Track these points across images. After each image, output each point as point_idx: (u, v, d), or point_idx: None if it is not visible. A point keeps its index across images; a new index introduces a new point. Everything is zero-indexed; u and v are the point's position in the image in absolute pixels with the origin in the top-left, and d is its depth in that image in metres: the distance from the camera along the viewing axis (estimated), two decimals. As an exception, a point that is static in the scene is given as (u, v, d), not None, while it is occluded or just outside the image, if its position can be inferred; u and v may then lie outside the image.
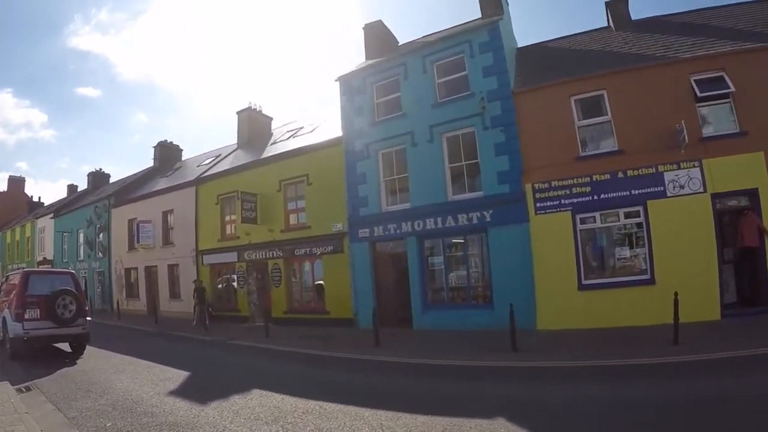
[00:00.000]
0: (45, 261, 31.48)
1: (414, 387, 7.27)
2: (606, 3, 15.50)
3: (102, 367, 9.35)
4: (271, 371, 9.21)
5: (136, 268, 22.74)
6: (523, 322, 9.31)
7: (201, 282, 17.62)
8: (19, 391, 6.99)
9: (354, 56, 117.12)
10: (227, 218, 18.50)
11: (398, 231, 13.54)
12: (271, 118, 23.44)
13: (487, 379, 7.44)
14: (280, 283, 16.46)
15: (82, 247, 27.88)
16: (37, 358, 9.99)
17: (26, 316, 9.73)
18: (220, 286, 18.92)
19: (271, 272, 16.66)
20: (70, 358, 10.39)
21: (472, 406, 5.76)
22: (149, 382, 7.90)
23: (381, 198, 14.14)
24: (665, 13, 15.49)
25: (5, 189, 41.33)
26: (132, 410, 6.06)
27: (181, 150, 27.87)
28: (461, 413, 5.39)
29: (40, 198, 39.89)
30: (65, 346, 11.26)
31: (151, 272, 21.80)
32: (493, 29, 12.85)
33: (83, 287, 14.43)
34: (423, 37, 16.58)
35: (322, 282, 15.73)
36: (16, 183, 41.67)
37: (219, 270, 18.75)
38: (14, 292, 10.27)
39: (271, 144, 19.50)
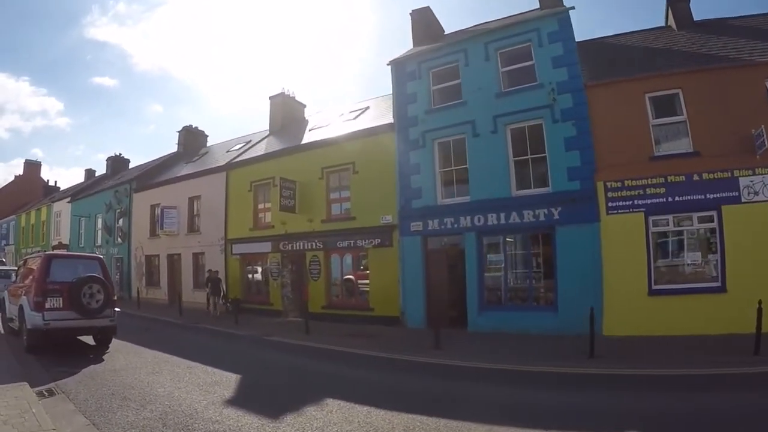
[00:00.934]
0: (60, 245, 30.62)
1: (507, 396, 6.42)
2: (668, 2, 14.96)
3: (135, 365, 8.28)
4: (332, 374, 8.16)
5: (157, 256, 21.77)
6: (587, 327, 8.82)
7: (216, 272, 16.93)
8: (41, 395, 5.81)
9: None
10: (261, 206, 17.47)
11: (456, 225, 12.69)
12: (305, 105, 22.45)
13: (588, 389, 6.63)
14: (319, 277, 15.40)
15: (100, 232, 27.01)
16: (57, 352, 8.88)
17: (47, 305, 8.64)
18: (250, 276, 17.85)
19: (309, 265, 15.62)
20: (95, 354, 9.32)
21: (594, 422, 5.14)
22: (196, 387, 6.83)
23: (437, 190, 13.27)
24: (722, 16, 14.97)
25: (21, 173, 40.68)
26: (189, 428, 4.89)
27: (206, 136, 26.92)
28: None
29: (56, 182, 39.21)
30: (88, 339, 10.23)
31: (173, 260, 20.81)
32: (563, 18, 12.21)
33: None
34: (482, 24, 15.85)
35: (351, 276, 14.89)
36: (32, 167, 41.11)
37: (250, 260, 17.69)
38: (33, 277, 9.19)
39: (310, 130, 18.45)
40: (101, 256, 11.01)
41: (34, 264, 9.75)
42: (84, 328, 9.34)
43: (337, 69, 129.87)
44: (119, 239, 24.69)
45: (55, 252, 12.80)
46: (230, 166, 18.60)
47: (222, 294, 16.68)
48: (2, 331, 11.33)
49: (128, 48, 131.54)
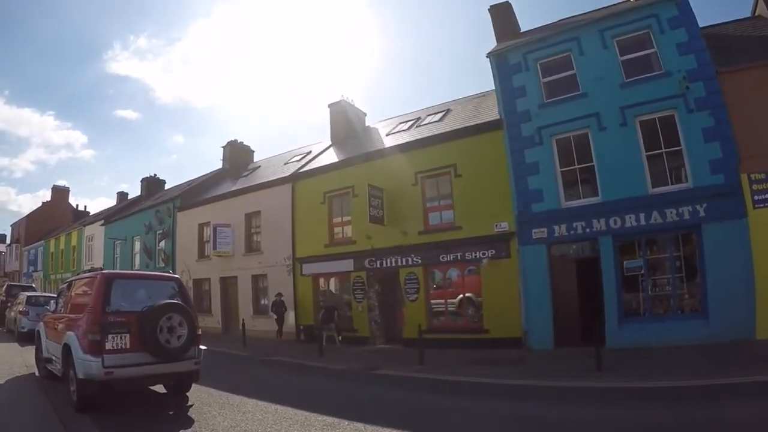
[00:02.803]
0: (93, 271, 28.79)
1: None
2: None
3: (245, 428, 5.76)
4: (498, 414, 6.47)
5: (207, 279, 19.64)
6: (739, 332, 8.72)
7: (280, 295, 15.22)
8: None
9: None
10: (338, 219, 15.40)
11: (587, 230, 11.26)
12: (365, 113, 20.63)
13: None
14: (418, 297, 13.15)
15: (138, 256, 25.05)
16: (120, 407, 6.55)
17: (108, 345, 6.10)
18: (322, 300, 15.63)
19: (404, 283, 13.42)
20: (176, 408, 6.88)
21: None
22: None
23: (559, 191, 11.79)
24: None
25: (49, 199, 39.40)
26: None
27: (253, 151, 25.17)
28: None
29: (85, 207, 37.68)
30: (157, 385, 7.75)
31: (228, 284, 18.67)
32: (682, 3, 11.25)
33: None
34: (585, 13, 14.59)
35: (470, 295, 12.81)
36: (60, 193, 39.86)
37: (326, 281, 15.47)
38: (86, 305, 6.63)
39: (387, 135, 16.53)
40: (178, 276, 8.27)
41: (86, 287, 7.08)
42: (160, 376, 6.78)
43: (360, 86, 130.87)
44: (162, 262, 22.67)
45: (116, 271, 9.58)
46: (297, 177, 16.63)
47: (284, 319, 14.79)
48: (36, 374, 8.65)
49: (149, 81, 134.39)
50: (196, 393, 7.52)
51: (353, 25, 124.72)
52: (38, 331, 8.76)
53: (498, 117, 12.90)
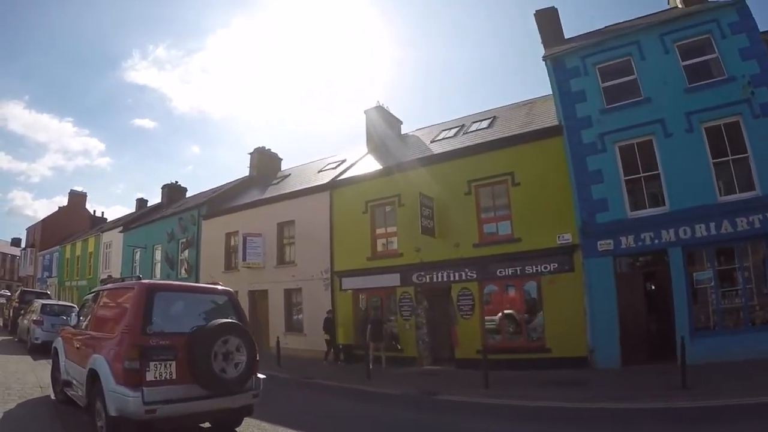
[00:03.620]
0: (111, 279, 27.95)
1: None
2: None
3: None
4: None
5: (235, 293, 18.62)
6: None
7: (331, 312, 14.10)
8: None
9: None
10: (381, 230, 14.47)
11: (656, 241, 10.76)
12: (401, 122, 19.83)
13: None
14: (472, 314, 12.16)
15: (159, 265, 24.26)
16: None
17: (150, 376, 4.90)
18: (368, 316, 14.58)
19: (457, 299, 12.42)
20: None
21: None
22: None
23: (624, 200, 11.28)
24: None
25: (65, 204, 38.87)
26: None
27: (281, 159, 24.41)
28: None
29: (103, 213, 37.06)
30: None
31: (257, 298, 17.71)
32: (742, 8, 11.08)
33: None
34: (643, 17, 14.16)
35: (512, 311, 12.14)
36: (77, 198, 39.35)
37: (368, 296, 14.46)
38: (120, 323, 5.37)
39: (432, 141, 15.64)
40: (230, 290, 6.69)
41: (119, 300, 5.85)
42: (213, 413, 5.55)
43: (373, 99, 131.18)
44: (184, 273, 21.81)
45: (158, 282, 7.24)
46: (336, 185, 15.75)
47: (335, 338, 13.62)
48: (52, 397, 7.44)
49: (167, 91, 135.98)
50: (246, 427, 6.42)
51: (366, 34, 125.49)
52: (56, 347, 7.42)
53: (557, 123, 12.29)
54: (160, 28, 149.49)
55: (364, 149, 18.60)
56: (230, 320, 5.58)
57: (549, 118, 13.25)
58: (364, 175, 15.26)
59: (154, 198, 30.86)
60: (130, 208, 33.54)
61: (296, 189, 17.32)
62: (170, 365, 5.04)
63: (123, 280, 6.90)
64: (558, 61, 12.76)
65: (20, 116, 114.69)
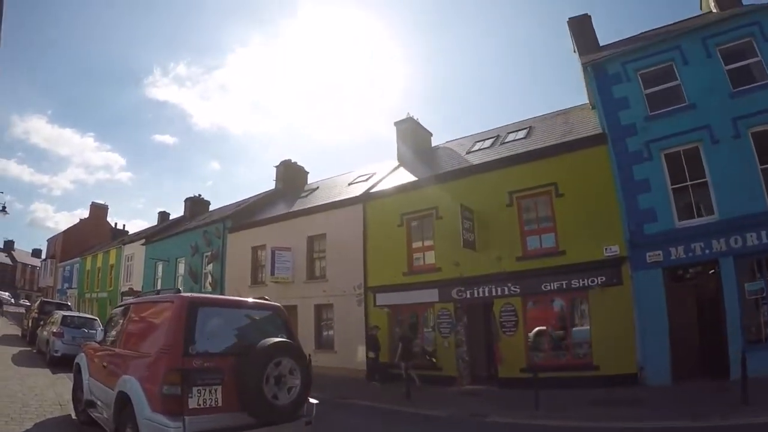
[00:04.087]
0: (132, 292, 27.90)
1: None
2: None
3: None
4: None
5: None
6: None
7: (376, 329, 13.38)
8: None
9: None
10: (418, 244, 14.07)
11: (707, 251, 10.36)
12: (431, 134, 19.59)
13: None
14: (516, 331, 11.67)
15: (182, 279, 24.05)
16: None
17: (193, 403, 4.31)
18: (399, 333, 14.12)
19: (499, 315, 11.94)
20: None
21: None
22: None
23: (672, 210, 10.95)
24: None
25: (87, 216, 39.15)
26: None
27: (307, 172, 24.24)
28: None
29: (124, 226, 37.21)
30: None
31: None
32: None
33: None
34: (679, 21, 14.06)
35: (545, 327, 11.74)
36: (99, 210, 39.61)
37: (405, 313, 14.00)
38: (157, 341, 4.77)
39: (468, 153, 15.31)
40: (278, 305, 5.88)
41: (155, 314, 5.28)
42: None
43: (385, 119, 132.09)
44: (209, 287, 21.56)
45: (199, 295, 7.27)
46: (369, 197, 15.46)
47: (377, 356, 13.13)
48: (73, 416, 6.93)
49: (187, 108, 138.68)
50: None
51: (382, 49, 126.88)
52: (78, 364, 6.87)
53: (600, 131, 12.01)
54: (181, 46, 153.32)
55: (394, 162, 18.35)
56: (283, 339, 4.99)
57: (588, 126, 13.00)
58: (398, 187, 14.94)
59: (175, 213, 30.76)
60: (149, 222, 33.67)
61: (328, 202, 17.01)
62: (216, 391, 4.43)
63: (158, 293, 6.54)
64: (599, 68, 12.54)
65: (43, 130, 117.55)
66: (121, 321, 5.96)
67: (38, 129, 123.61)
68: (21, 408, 7.03)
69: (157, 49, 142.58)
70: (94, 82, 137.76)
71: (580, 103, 16.11)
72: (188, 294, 5.25)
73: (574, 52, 18.57)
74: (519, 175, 12.47)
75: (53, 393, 8.52)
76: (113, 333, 6.15)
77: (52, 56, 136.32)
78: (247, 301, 5.69)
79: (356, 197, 15.78)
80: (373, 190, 15.67)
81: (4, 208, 20.14)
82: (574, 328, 11.56)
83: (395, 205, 14.56)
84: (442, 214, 13.31)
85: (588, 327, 11.19)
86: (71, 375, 10.27)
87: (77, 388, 6.83)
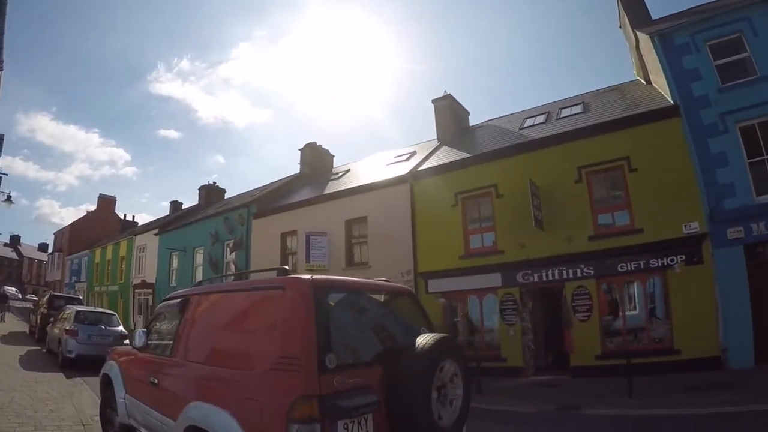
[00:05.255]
0: (144, 285, 26.91)
1: None
2: None
3: None
4: None
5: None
6: None
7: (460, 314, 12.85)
8: None
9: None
10: (475, 226, 13.16)
11: None
12: (468, 112, 18.65)
13: None
14: (590, 315, 10.86)
15: (201, 269, 23.04)
16: None
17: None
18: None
19: (571, 300, 11.10)
20: None
21: None
22: None
23: (750, 184, 10.45)
24: None
25: (95, 208, 38.00)
26: None
27: (332, 155, 23.24)
28: None
29: (134, 217, 36.10)
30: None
31: (321, 301, 16.37)
32: None
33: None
34: None
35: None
36: (107, 202, 38.49)
37: (461, 299, 13.09)
38: (266, 351, 3.10)
39: (521, 129, 14.40)
40: (410, 288, 5.15)
41: (249, 308, 3.67)
42: None
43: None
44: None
45: (324, 277, 3.55)
46: (416, 176, 14.49)
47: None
48: None
49: (191, 102, 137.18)
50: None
51: (379, 45, 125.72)
52: (107, 375, 5.27)
53: (671, 103, 11.27)
54: (185, 42, 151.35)
55: (433, 142, 17.41)
56: (442, 335, 3.54)
57: (653, 100, 12.28)
58: (450, 164, 13.96)
59: (184, 205, 29.65)
60: (154, 216, 32.62)
61: (369, 183, 15.98)
62: (366, 422, 2.98)
63: (247, 277, 5.16)
64: (666, 39, 11.89)
65: (48, 127, 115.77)
66: (178, 320, 4.29)
67: (43, 126, 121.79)
68: (34, 431, 5.58)
69: (160, 44, 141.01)
70: (99, 78, 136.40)
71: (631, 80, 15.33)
72: (306, 275, 3.31)
73: (620, 27, 17.87)
74: (587, 149, 11.66)
75: (72, 407, 6.91)
76: (164, 336, 4.59)
77: (57, 54, 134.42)
78: (378, 283, 4.12)
79: (402, 176, 14.80)
80: (421, 169, 14.69)
81: (9, 197, 19.04)
82: (652, 310, 10.81)
83: (448, 183, 13.61)
84: (503, 192, 12.44)
85: (667, 310, 10.45)
86: (90, 380, 8.92)
87: (107, 405, 5.27)
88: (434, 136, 18.17)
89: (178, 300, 4.65)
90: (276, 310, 3.17)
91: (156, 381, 4.11)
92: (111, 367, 5.25)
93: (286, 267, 3.80)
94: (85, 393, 8.09)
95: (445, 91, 17.86)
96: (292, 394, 2.74)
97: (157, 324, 4.93)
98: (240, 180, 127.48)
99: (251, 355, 3.23)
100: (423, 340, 3.37)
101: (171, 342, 4.23)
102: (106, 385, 5.29)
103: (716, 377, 8.90)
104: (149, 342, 4.72)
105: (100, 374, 5.53)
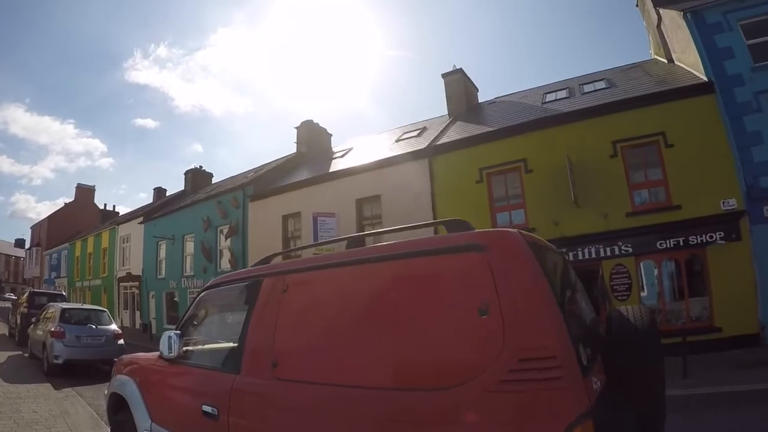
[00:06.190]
0: (130, 277, 25.42)
1: None
2: None
3: None
4: None
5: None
6: None
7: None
8: None
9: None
10: (503, 203, 12.50)
11: None
12: (477, 89, 17.96)
13: None
14: (629, 295, 10.52)
15: (191, 258, 21.83)
16: None
17: None
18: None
19: (610, 279, 10.72)
20: None
21: None
22: None
23: None
24: None
25: (73, 199, 35.85)
26: None
27: (330, 134, 22.21)
28: None
29: (114, 207, 34.17)
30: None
31: (330, 286, 15.50)
32: None
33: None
34: None
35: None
36: (85, 192, 36.36)
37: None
38: (474, 352, 1.86)
39: (544, 103, 13.77)
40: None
41: (411, 284, 2.17)
42: None
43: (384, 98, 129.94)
44: (228, 264, 19.43)
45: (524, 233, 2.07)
46: (436, 151, 13.69)
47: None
48: None
49: (169, 90, 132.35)
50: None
51: (361, 31, 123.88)
52: (119, 395, 3.72)
53: (704, 80, 11.04)
54: (162, 27, 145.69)
55: (444, 118, 16.63)
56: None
57: (682, 76, 12.00)
58: (473, 138, 13.21)
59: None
60: (132, 208, 30.85)
61: (381, 158, 15.09)
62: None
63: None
64: (698, 16, 11.75)
65: (21, 119, 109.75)
66: (247, 315, 2.80)
67: (17, 118, 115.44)
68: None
69: (137, 31, 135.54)
70: (73, 67, 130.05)
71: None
72: (510, 228, 2.15)
73: (636, 6, 17.48)
74: (622, 123, 11.19)
75: (66, 427, 5.52)
76: (216, 339, 3.39)
77: (29, 43, 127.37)
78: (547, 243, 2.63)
79: (420, 151, 13.96)
80: (440, 143, 13.90)
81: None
82: (691, 288, 10.56)
83: (471, 158, 12.88)
84: (533, 167, 11.82)
85: (705, 286, 10.26)
86: (82, 389, 8.01)
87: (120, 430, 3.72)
88: (423, 121, 17.47)
89: (244, 283, 3.08)
90: (478, 285, 1.90)
91: (215, 411, 2.67)
92: (123, 386, 3.67)
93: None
94: (80, 408, 6.71)
95: (454, 66, 17.12)
96: (562, 418, 1.64)
97: (201, 323, 3.46)
98: (220, 170, 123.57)
99: (438, 364, 1.96)
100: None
101: (235, 347, 2.81)
102: (118, 404, 3.72)
103: (762, 354, 8.72)
104: (189, 351, 3.30)
105: (107, 394, 3.97)
